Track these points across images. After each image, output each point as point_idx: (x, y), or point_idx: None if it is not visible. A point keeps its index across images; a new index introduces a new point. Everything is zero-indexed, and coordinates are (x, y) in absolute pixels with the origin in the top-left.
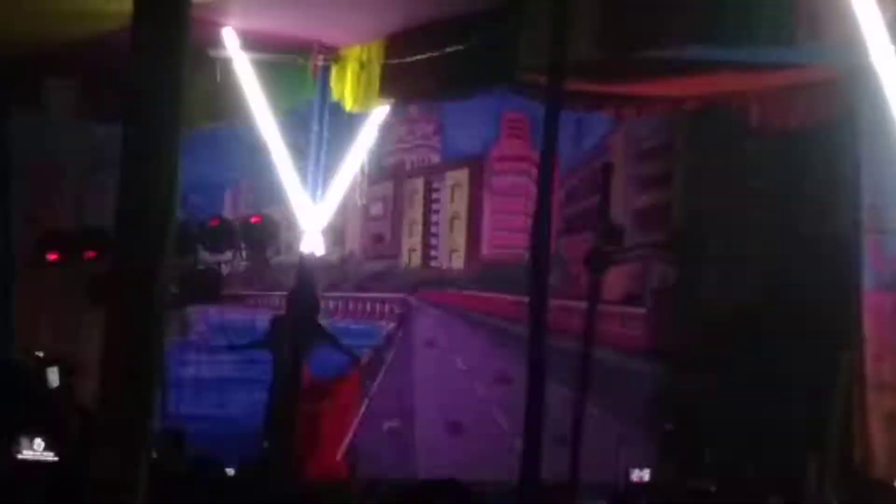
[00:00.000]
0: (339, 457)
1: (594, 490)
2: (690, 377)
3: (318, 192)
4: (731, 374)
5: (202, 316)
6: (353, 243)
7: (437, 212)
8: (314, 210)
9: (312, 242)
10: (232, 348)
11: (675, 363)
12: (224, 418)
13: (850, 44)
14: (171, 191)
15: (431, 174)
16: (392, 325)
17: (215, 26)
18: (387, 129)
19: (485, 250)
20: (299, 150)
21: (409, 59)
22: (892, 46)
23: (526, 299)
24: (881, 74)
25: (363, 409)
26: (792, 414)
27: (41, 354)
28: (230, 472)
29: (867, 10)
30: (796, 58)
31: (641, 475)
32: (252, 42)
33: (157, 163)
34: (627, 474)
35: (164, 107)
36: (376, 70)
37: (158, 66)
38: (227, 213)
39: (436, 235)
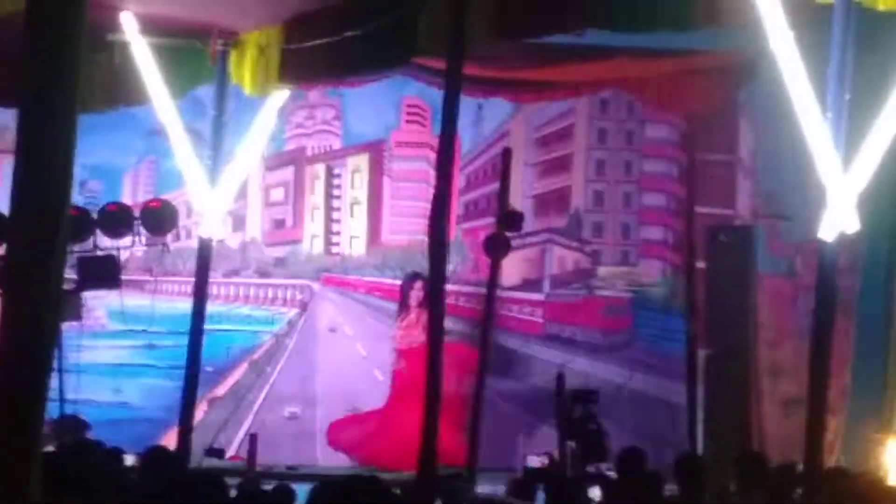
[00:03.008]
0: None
1: (493, 476)
2: (590, 362)
3: (218, 177)
4: (630, 360)
5: (100, 302)
6: (255, 229)
7: (338, 197)
8: (214, 195)
9: (212, 228)
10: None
11: (575, 348)
12: (121, 404)
13: (748, 29)
14: (66, 175)
15: (332, 159)
16: (294, 311)
17: (114, 10)
18: (287, 114)
19: (385, 236)
20: (199, 135)
21: (308, 44)
22: (790, 31)
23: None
24: (779, 60)
25: (263, 395)
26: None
27: None
28: (129, 459)
29: None
30: (694, 43)
31: (540, 461)
32: (150, 26)
33: (51, 146)
34: (525, 460)
35: (58, 90)
36: (275, 55)
37: (53, 48)
38: (127, 198)
39: (337, 221)
